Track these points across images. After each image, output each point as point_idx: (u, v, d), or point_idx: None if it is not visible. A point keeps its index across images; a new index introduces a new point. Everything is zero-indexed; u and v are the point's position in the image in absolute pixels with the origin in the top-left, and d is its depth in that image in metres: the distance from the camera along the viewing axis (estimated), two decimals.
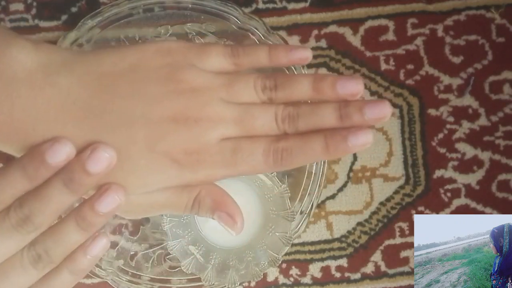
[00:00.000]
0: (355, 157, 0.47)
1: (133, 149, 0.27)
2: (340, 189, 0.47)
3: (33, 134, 0.27)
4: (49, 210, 0.26)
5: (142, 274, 0.45)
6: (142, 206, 0.29)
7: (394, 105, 0.47)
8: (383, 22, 0.47)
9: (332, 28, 0.47)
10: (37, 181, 0.27)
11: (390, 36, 0.47)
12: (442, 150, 0.47)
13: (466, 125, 0.47)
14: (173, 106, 0.27)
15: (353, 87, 0.28)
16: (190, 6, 0.45)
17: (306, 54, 0.30)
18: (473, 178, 0.47)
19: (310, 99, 0.29)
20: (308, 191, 0.45)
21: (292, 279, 0.47)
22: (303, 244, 0.47)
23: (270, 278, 0.47)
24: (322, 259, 0.47)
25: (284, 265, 0.47)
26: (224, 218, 0.30)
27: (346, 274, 0.47)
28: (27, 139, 0.27)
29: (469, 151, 0.47)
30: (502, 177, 0.47)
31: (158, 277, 0.45)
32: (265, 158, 0.28)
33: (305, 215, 0.45)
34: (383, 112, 0.27)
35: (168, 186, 0.28)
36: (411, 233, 0.47)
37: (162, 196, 0.29)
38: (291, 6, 0.47)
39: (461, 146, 0.47)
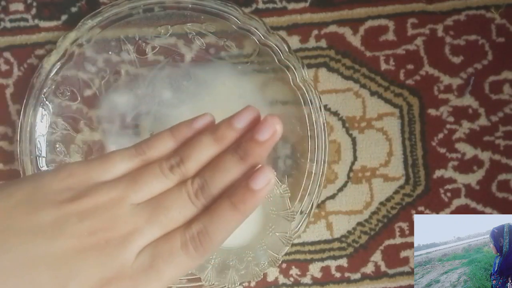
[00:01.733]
0: (355, 157, 0.47)
1: None
2: (340, 189, 0.47)
3: None
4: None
5: None
6: None
7: (394, 105, 0.47)
8: (383, 22, 0.47)
9: (332, 28, 0.47)
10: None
11: (390, 36, 0.47)
12: (442, 150, 0.47)
13: (466, 125, 0.47)
14: (77, 233, 0.24)
15: (249, 115, 0.27)
16: (190, 6, 0.45)
17: (208, 119, 0.28)
18: (473, 178, 0.47)
19: (218, 153, 0.27)
20: (308, 191, 0.45)
21: (292, 279, 0.47)
22: (303, 244, 0.47)
23: (270, 278, 0.47)
24: (322, 259, 0.47)
25: (284, 265, 0.47)
26: None
27: (346, 274, 0.47)
28: None
29: (469, 151, 0.47)
30: (502, 177, 0.47)
31: None
32: (186, 251, 0.26)
33: (305, 215, 0.45)
34: (272, 128, 0.26)
35: None
36: (411, 233, 0.47)
37: None
38: (291, 6, 0.47)
39: (461, 146, 0.47)
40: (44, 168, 0.45)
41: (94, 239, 0.25)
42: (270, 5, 0.47)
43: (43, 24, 0.47)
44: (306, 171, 0.45)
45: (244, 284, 0.47)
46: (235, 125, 0.27)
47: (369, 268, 0.47)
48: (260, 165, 0.27)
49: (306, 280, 0.47)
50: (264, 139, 0.26)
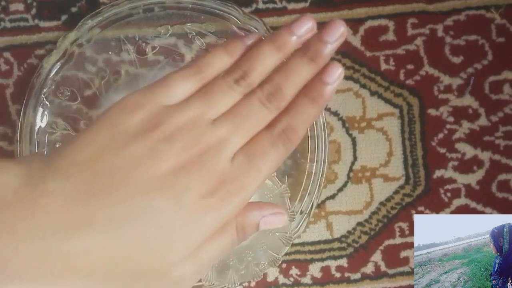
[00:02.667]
0: (355, 157, 0.47)
1: (161, 217, 0.25)
2: (340, 189, 0.47)
3: (45, 254, 0.24)
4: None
5: None
6: (194, 272, 0.27)
7: (394, 105, 0.47)
8: (383, 22, 0.47)
9: None
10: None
11: (390, 36, 0.47)
12: (442, 150, 0.47)
13: (466, 125, 0.47)
14: (172, 154, 0.26)
15: (307, 22, 0.28)
16: (190, 6, 0.45)
17: (258, 36, 0.30)
18: (473, 178, 0.47)
19: (280, 61, 0.29)
20: (308, 191, 0.45)
21: (292, 279, 0.47)
22: (303, 244, 0.47)
23: (270, 278, 0.47)
24: (322, 259, 0.47)
25: (284, 265, 0.47)
26: (270, 221, 0.29)
27: (346, 274, 0.47)
28: (42, 261, 0.24)
29: (469, 151, 0.47)
30: (502, 177, 0.47)
31: None
32: (276, 147, 0.28)
33: (305, 215, 0.45)
34: (339, 29, 0.28)
35: (212, 235, 0.27)
36: (411, 233, 0.47)
37: (209, 251, 0.27)
38: (291, 6, 0.47)
39: (461, 146, 0.47)
40: None
41: (190, 155, 0.26)
42: (270, 5, 0.47)
43: (43, 24, 0.47)
44: (306, 171, 0.45)
45: (244, 284, 0.47)
46: (295, 32, 0.28)
47: (369, 268, 0.47)
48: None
49: (306, 280, 0.47)
50: (333, 40, 0.28)
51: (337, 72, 0.28)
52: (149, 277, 0.26)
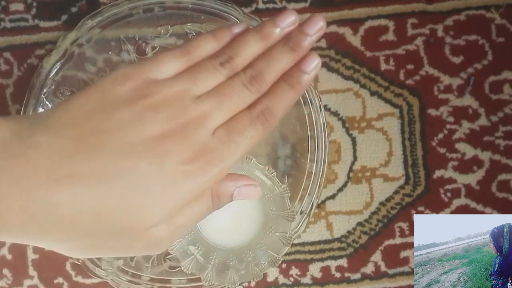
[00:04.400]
0: (355, 157, 0.47)
1: (142, 179, 0.26)
2: (340, 189, 0.47)
3: (29, 203, 0.25)
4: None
5: (142, 274, 0.45)
6: (171, 234, 0.28)
7: (394, 105, 0.47)
8: (383, 22, 0.47)
9: (332, 28, 0.47)
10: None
11: (390, 36, 0.47)
12: (442, 150, 0.47)
13: (466, 125, 0.47)
14: (157, 122, 0.27)
15: (290, 16, 0.31)
16: (190, 6, 0.45)
17: (245, 26, 0.32)
18: (473, 178, 0.47)
19: (263, 49, 0.31)
20: (308, 191, 0.45)
21: (292, 279, 0.47)
22: (303, 244, 0.47)
23: (270, 278, 0.47)
24: (322, 259, 0.47)
25: (284, 265, 0.47)
26: (244, 192, 0.31)
27: (346, 274, 0.47)
28: (25, 209, 0.25)
29: (469, 151, 0.47)
30: (502, 177, 0.47)
31: (158, 277, 0.45)
32: (254, 126, 0.29)
33: (305, 215, 0.45)
34: (319, 23, 0.30)
35: (189, 201, 0.28)
36: (411, 233, 0.47)
37: (186, 215, 0.29)
38: (291, 6, 0.47)
39: (461, 146, 0.47)
40: None
41: (173, 125, 0.27)
42: (270, 5, 0.47)
43: (43, 24, 0.47)
44: (306, 171, 0.45)
45: (244, 284, 0.47)
46: (279, 24, 0.31)
47: (369, 268, 0.47)
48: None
49: (306, 280, 0.47)
50: (312, 33, 0.30)
51: (314, 62, 0.30)
52: (127, 236, 0.27)
